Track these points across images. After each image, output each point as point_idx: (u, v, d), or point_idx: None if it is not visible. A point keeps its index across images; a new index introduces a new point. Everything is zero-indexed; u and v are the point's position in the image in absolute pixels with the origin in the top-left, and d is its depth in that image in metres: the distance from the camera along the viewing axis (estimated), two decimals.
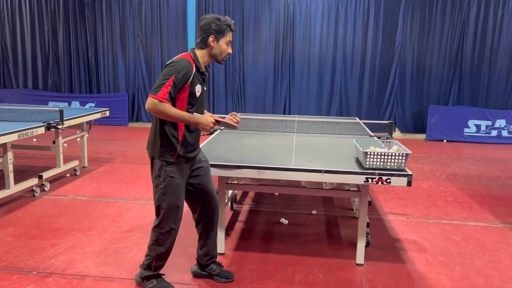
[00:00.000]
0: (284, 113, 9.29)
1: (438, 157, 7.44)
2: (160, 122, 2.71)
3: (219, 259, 3.29)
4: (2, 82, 10.12)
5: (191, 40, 9.30)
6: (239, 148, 3.74)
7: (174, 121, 2.68)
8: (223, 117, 2.85)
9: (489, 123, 8.76)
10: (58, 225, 4.01)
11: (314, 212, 4.52)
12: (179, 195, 2.80)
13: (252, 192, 5.12)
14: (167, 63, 2.69)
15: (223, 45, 2.77)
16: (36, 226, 3.98)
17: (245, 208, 4.62)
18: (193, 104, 2.73)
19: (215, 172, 3.12)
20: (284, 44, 9.19)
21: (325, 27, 9.05)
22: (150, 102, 2.57)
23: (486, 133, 8.79)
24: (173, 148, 2.72)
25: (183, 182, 2.81)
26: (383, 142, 3.52)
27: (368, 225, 3.79)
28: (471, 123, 8.81)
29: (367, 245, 3.72)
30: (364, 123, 5.21)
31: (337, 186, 3.66)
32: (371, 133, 4.61)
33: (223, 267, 3.19)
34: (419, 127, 9.24)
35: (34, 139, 7.52)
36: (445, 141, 8.83)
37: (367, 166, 3.06)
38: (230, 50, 2.84)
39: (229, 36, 2.79)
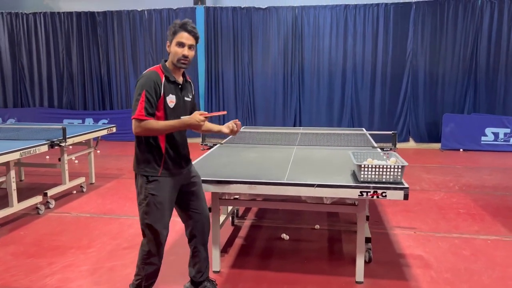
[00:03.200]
0: (294, 125, 9.21)
1: (452, 167, 7.20)
2: (142, 137, 2.66)
3: (214, 277, 3.22)
4: (20, 101, 10.38)
5: (200, 55, 9.40)
6: (234, 162, 3.68)
7: (165, 133, 2.63)
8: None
9: (508, 130, 8.45)
10: (58, 243, 4.01)
11: (317, 226, 4.40)
12: (163, 212, 2.71)
13: (255, 208, 5.03)
14: (141, 77, 2.64)
15: (174, 47, 2.62)
16: (37, 244, 4.00)
17: (246, 223, 4.54)
18: (169, 115, 2.65)
19: (206, 188, 3.06)
20: (293, 55, 9.14)
21: (334, 37, 8.97)
22: (133, 125, 2.57)
23: (504, 141, 8.48)
24: (157, 163, 2.66)
25: (167, 198, 2.72)
26: (385, 153, 3.40)
27: (369, 240, 3.67)
28: (488, 131, 8.52)
29: (369, 261, 3.58)
30: (370, 134, 5.07)
31: (339, 201, 3.55)
32: (374, 144, 4.48)
33: (217, 285, 3.11)
34: (434, 136, 8.99)
35: (47, 156, 7.64)
36: (461, 150, 8.56)
37: (362, 179, 2.95)
38: (185, 52, 2.61)
39: (179, 37, 2.60)
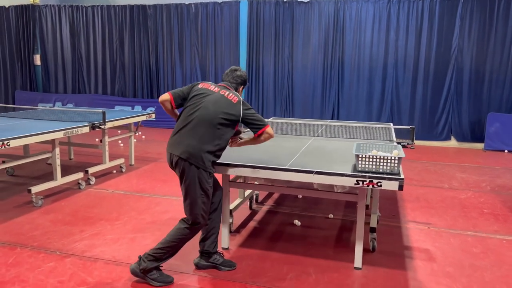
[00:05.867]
0: (332, 119, 9.24)
1: (491, 168, 6.96)
2: (221, 139, 3.07)
3: (223, 253, 3.48)
4: (77, 88, 11.24)
5: (242, 48, 9.68)
6: (247, 149, 3.88)
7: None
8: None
9: None
10: (91, 214, 4.46)
11: (331, 216, 4.53)
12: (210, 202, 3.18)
13: (276, 194, 5.23)
14: (245, 103, 3.17)
15: (241, 92, 3.43)
16: (73, 214, 4.47)
17: (264, 208, 4.76)
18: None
19: (216, 170, 3.32)
20: (333, 49, 9.16)
21: (376, 32, 8.87)
22: (270, 131, 3.16)
23: None
24: (216, 163, 3.19)
25: None
26: (394, 147, 3.46)
27: (374, 230, 3.77)
28: None
29: (373, 250, 3.68)
30: (389, 128, 5.08)
31: (350, 190, 3.66)
32: (393, 138, 4.51)
33: (223, 256, 3.38)
34: (477, 136, 8.67)
35: (97, 139, 8.27)
36: (506, 151, 8.20)
37: (360, 168, 3.07)
38: None
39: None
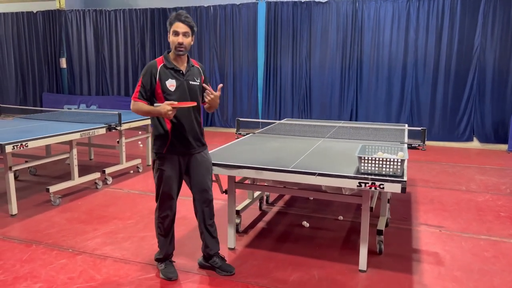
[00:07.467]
0: (350, 119, 9.16)
1: None
2: (155, 119, 3.09)
3: (228, 253, 3.54)
4: (101, 90, 11.53)
5: (260, 49, 9.72)
6: (255, 150, 3.93)
7: (147, 115, 3.09)
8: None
9: None
10: (105, 213, 4.59)
11: (340, 218, 4.51)
12: (171, 185, 3.13)
13: (287, 195, 5.24)
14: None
15: (171, 37, 2.97)
16: (88, 213, 4.61)
17: (274, 209, 4.78)
18: (170, 98, 2.97)
19: (220, 171, 3.37)
20: (351, 49, 9.08)
21: (395, 31, 8.75)
22: (131, 104, 3.05)
23: None
24: (164, 142, 3.06)
25: (174, 173, 3.11)
26: (400, 148, 3.43)
27: (381, 232, 3.73)
28: None
29: (380, 253, 3.65)
30: (400, 129, 5.01)
31: (357, 192, 3.65)
32: (405, 140, 4.45)
33: (225, 261, 3.41)
34: (501, 137, 8.41)
35: (118, 140, 8.47)
36: None
37: (362, 170, 3.06)
38: (179, 40, 2.93)
39: (174, 27, 2.95)
